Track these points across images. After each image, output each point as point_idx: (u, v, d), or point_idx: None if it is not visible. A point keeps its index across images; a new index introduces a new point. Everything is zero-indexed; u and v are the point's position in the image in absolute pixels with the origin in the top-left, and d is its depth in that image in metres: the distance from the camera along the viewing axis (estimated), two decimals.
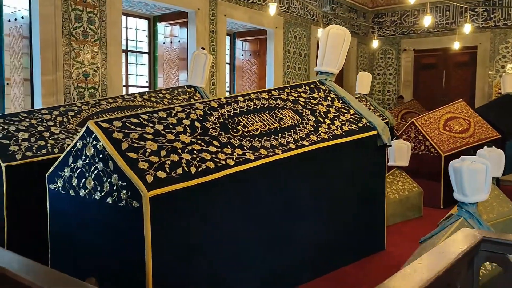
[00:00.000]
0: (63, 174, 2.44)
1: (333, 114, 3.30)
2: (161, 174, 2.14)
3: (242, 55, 9.47)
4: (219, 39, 7.86)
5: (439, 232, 2.85)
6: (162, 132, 2.41)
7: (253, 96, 3.10)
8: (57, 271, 1.46)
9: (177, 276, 2.18)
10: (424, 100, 10.99)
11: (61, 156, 2.45)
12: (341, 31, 3.72)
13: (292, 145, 2.78)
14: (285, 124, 2.95)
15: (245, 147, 2.58)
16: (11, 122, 3.23)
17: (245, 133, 2.70)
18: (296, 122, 3.02)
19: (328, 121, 3.18)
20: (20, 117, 3.33)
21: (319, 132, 3.02)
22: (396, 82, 12.18)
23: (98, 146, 2.22)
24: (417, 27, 11.53)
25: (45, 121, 3.38)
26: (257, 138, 2.70)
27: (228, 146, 2.53)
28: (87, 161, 2.29)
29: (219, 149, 2.47)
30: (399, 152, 4.82)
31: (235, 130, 2.69)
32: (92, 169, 2.26)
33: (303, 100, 3.31)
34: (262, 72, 9.27)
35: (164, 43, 7.85)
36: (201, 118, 2.65)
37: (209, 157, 2.38)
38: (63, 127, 3.40)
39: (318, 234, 2.96)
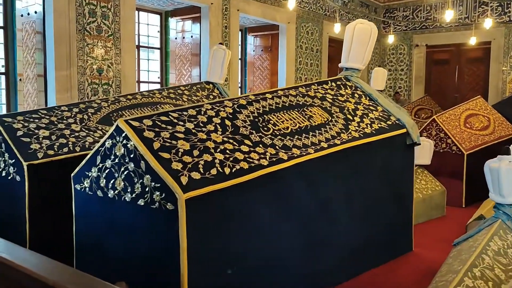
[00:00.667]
0: (90, 174, 2.35)
1: (362, 111, 3.20)
2: (196, 175, 2.05)
3: (254, 51, 9.36)
4: (232, 34, 7.75)
5: (475, 235, 2.75)
6: (193, 131, 2.32)
7: (280, 93, 3.00)
8: (85, 273, 1.39)
9: (214, 281, 2.09)
10: (435, 96, 10.84)
11: (88, 156, 2.37)
12: (367, 25, 3.61)
13: (324, 144, 2.68)
14: (314, 122, 2.85)
15: (277, 146, 2.48)
16: (31, 120, 3.15)
17: (275, 131, 2.60)
18: (325, 120, 2.92)
19: (357, 119, 3.08)
20: (40, 114, 3.25)
21: (350, 130, 2.92)
22: (407, 78, 12.03)
23: (128, 145, 2.13)
24: (429, 22, 11.37)
25: (65, 118, 3.30)
26: (288, 137, 2.60)
27: (260, 145, 2.43)
28: (116, 161, 2.20)
29: (252, 149, 2.37)
30: (422, 150, 4.71)
31: (265, 128, 2.59)
32: (122, 169, 2.17)
33: (331, 97, 3.20)
34: (274, 67, 9.15)
35: (176, 38, 7.75)
36: (231, 116, 2.56)
37: (242, 157, 2.29)
38: (83, 124, 3.31)
39: (352, 236, 2.87)
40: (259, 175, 2.25)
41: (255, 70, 9.43)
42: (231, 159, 2.24)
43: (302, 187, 2.52)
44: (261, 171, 2.26)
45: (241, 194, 2.17)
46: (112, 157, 2.22)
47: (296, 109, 2.89)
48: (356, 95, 3.39)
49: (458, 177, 5.01)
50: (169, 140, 2.18)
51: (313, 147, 2.62)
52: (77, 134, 3.18)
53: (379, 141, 3.03)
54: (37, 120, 3.16)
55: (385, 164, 3.15)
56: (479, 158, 5.30)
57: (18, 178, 2.84)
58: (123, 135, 2.16)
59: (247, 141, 2.41)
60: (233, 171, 2.18)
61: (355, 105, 3.24)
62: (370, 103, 3.37)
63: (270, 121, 2.67)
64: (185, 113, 2.44)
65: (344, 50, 3.70)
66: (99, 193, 2.31)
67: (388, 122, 3.23)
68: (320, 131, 2.78)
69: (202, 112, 2.50)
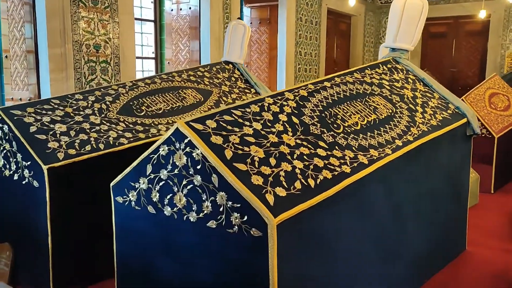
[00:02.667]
0: (137, 186, 1.94)
1: (421, 99, 2.85)
2: (281, 191, 1.67)
3: (251, 23, 8.83)
4: (233, 7, 7.22)
5: None
6: (262, 132, 1.92)
7: (338, 80, 2.61)
8: None
9: None
10: (431, 70, 10.60)
11: (134, 163, 1.95)
12: (419, 1, 3.23)
13: (398, 142, 2.33)
14: (381, 114, 2.49)
15: (353, 148, 2.12)
16: (44, 112, 2.69)
17: (346, 129, 2.23)
18: (391, 111, 2.56)
19: (420, 109, 2.73)
20: (52, 104, 2.78)
21: (417, 123, 2.58)
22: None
23: (194, 154, 1.73)
24: None
25: (81, 108, 2.84)
26: (361, 135, 2.24)
27: (336, 148, 2.06)
28: (175, 172, 1.80)
29: (329, 152, 2.00)
30: None
31: (335, 125, 2.21)
32: (185, 183, 1.77)
33: (387, 83, 2.84)
34: (273, 41, 8.68)
35: (172, 10, 7.17)
36: (296, 112, 2.17)
37: (322, 163, 1.91)
38: (103, 115, 2.86)
39: (419, 242, 2.57)
40: (345, 185, 1.89)
41: (253, 43, 8.93)
42: (312, 167, 1.87)
43: (381, 195, 2.18)
44: (347, 181, 1.90)
45: (328, 210, 1.81)
46: (170, 167, 1.81)
47: (358, 100, 2.52)
48: (409, 80, 3.03)
49: (488, 162, 4.77)
50: (240, 147, 1.79)
51: (389, 146, 2.26)
52: (98, 128, 2.74)
53: (446, 134, 2.70)
54: (50, 112, 2.70)
55: (448, 159, 2.83)
56: (507, 141, 5.10)
57: (35, 183, 2.40)
58: (186, 141, 1.75)
59: (321, 143, 2.04)
60: (317, 182, 1.81)
61: (413, 92, 2.89)
62: (426, 89, 3.02)
63: (338, 116, 2.29)
64: (247, 109, 2.03)
65: (392, 28, 3.32)
66: (151, 209, 1.91)
67: (449, 111, 2.90)
68: (390, 126, 2.43)
69: (266, 108, 2.10)
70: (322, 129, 2.13)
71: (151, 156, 1.88)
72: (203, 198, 1.72)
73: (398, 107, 2.63)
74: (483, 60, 10.80)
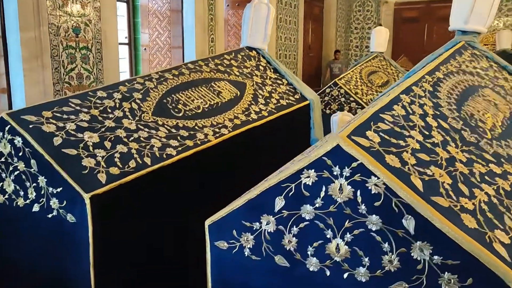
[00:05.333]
0: (257, 227, 1.35)
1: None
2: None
3: (228, 5, 8.15)
4: None
5: None
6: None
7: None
8: None
9: None
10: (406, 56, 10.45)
11: (250, 194, 1.36)
12: None
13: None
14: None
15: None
16: (65, 116, 1.99)
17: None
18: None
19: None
20: (73, 105, 2.08)
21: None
22: None
23: (371, 186, 1.17)
24: None
25: (109, 110, 2.16)
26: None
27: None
28: (330, 209, 1.23)
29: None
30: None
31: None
32: (348, 225, 1.21)
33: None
34: None
35: None
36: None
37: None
38: (137, 118, 2.19)
39: None
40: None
41: (230, 28, 8.26)
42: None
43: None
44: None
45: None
46: (320, 201, 1.24)
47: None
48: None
49: None
50: (421, 168, 1.25)
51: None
52: (136, 135, 2.08)
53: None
54: (73, 117, 2.00)
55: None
56: None
57: (70, 217, 1.73)
58: (355, 164, 1.18)
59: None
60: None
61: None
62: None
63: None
64: (394, 112, 1.49)
65: (460, 7, 2.88)
66: (280, 260, 1.33)
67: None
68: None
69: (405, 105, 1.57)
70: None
71: (285, 185, 1.29)
72: (391, 249, 1.17)
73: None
74: None
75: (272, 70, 3.38)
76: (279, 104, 2.98)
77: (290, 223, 1.30)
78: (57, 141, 1.84)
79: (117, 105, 2.21)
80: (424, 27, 11.09)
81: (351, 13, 11.67)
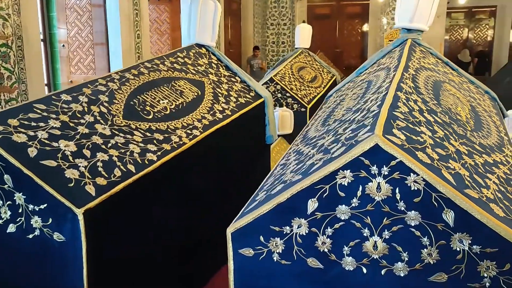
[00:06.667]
0: (287, 231, 1.33)
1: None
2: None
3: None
4: None
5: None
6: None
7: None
8: None
9: None
10: (316, 51, 10.88)
11: (275, 200, 1.32)
12: None
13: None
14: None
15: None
16: (33, 123, 1.78)
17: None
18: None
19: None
20: (38, 111, 1.87)
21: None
22: (290, 33, 11.82)
23: (411, 183, 1.20)
24: None
25: (78, 114, 1.97)
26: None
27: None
28: (368, 208, 1.24)
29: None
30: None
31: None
32: (387, 222, 1.23)
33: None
34: (176, 21, 7.87)
35: None
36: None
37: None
38: (110, 123, 2.04)
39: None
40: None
41: (151, 24, 7.98)
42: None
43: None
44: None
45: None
46: (356, 201, 1.25)
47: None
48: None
49: None
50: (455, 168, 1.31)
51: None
52: (113, 141, 1.93)
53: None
54: (43, 124, 1.81)
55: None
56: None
57: (57, 236, 1.57)
58: (394, 163, 1.21)
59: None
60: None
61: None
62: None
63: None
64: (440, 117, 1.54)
65: (404, 7, 3.05)
66: (312, 262, 1.32)
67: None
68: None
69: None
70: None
71: (318, 186, 1.28)
72: (424, 243, 1.21)
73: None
74: (364, 41, 11.45)
75: (224, 68, 3.33)
76: (238, 103, 2.95)
77: (324, 225, 1.29)
78: (32, 152, 1.65)
79: (86, 109, 2.04)
80: (335, 24, 11.62)
81: (266, 9, 11.87)
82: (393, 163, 1.21)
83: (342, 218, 1.28)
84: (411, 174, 1.20)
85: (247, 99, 3.08)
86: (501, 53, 12.30)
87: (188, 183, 2.25)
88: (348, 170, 1.25)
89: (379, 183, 1.23)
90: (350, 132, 1.47)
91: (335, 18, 11.62)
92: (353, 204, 1.26)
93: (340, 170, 1.26)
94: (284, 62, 6.32)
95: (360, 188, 1.25)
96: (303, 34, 7.04)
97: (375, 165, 1.22)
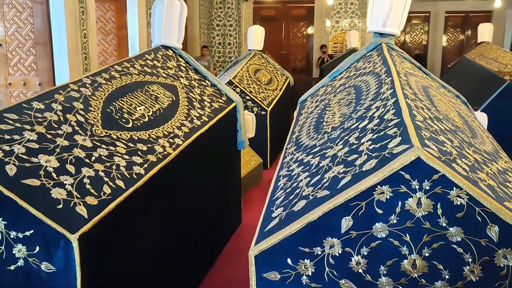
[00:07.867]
0: (318, 252, 1.22)
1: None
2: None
3: None
4: None
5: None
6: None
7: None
8: None
9: None
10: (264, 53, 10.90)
11: (304, 219, 1.22)
12: None
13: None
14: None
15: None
16: (7, 136, 1.56)
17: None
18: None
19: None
20: (10, 122, 1.63)
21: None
22: (237, 34, 11.73)
23: (453, 197, 1.14)
24: None
25: (54, 124, 1.76)
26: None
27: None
28: (407, 225, 1.17)
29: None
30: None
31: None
32: (431, 237, 1.17)
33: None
34: (122, 20, 7.51)
35: None
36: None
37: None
38: (89, 133, 1.83)
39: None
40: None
41: (95, 22, 7.57)
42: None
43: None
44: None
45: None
46: (395, 217, 1.18)
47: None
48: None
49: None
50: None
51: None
52: (96, 154, 1.73)
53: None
54: (17, 137, 1.58)
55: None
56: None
57: (46, 266, 1.37)
58: (436, 177, 1.15)
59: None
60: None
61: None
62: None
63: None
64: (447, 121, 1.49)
65: (377, 11, 3.06)
66: (345, 284, 1.23)
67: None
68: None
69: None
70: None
71: (354, 203, 1.19)
72: (466, 260, 1.16)
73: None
74: (309, 43, 11.60)
75: (193, 71, 3.18)
76: (213, 108, 2.81)
77: (359, 244, 1.21)
78: (11, 170, 1.43)
79: (62, 118, 1.82)
80: (281, 26, 11.67)
81: (212, 10, 11.70)
82: (435, 177, 1.15)
83: (379, 236, 1.20)
84: (454, 188, 1.14)
85: (220, 104, 2.95)
86: (434, 57, 12.95)
87: (175, 194, 2.10)
88: (387, 186, 1.17)
89: (419, 198, 1.16)
90: (371, 142, 1.40)
91: (281, 20, 11.67)
92: (391, 221, 1.18)
93: (378, 186, 1.18)
94: (239, 64, 6.22)
95: (399, 204, 1.18)
96: (256, 36, 6.98)
97: (415, 180, 1.16)
